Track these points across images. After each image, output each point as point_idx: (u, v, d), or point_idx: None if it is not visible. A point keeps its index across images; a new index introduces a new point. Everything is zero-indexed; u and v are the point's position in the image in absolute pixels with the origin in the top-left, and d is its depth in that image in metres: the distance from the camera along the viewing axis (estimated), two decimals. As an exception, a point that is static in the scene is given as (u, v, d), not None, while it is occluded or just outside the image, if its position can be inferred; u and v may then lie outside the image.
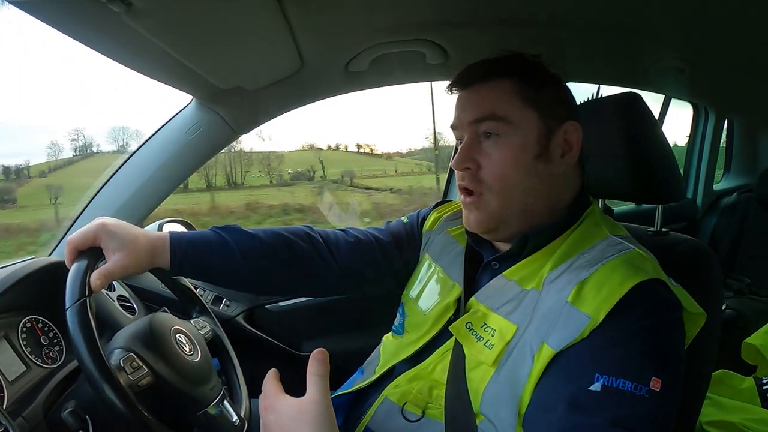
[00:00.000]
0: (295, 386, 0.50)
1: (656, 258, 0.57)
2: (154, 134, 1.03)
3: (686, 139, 1.93)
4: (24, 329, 0.71)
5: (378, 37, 0.94)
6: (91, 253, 0.62)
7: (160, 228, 1.09)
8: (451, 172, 1.56)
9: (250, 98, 1.00)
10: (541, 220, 0.61)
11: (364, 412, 0.66)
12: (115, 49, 0.72)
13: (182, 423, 0.62)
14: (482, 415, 0.54)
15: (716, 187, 1.96)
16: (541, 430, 0.49)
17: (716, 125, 1.83)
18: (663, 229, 0.77)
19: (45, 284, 0.75)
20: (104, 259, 0.63)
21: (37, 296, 0.75)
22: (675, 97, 1.71)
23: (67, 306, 0.55)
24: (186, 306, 0.79)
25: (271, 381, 0.51)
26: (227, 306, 1.17)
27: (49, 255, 0.97)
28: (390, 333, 0.77)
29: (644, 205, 1.66)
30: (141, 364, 0.57)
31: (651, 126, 0.74)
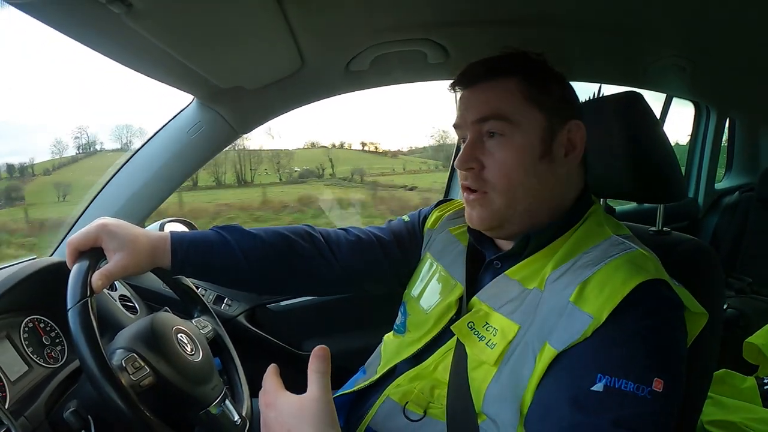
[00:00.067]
0: (296, 386, 0.50)
1: (658, 257, 0.57)
2: (155, 134, 1.03)
3: (688, 138, 1.93)
4: (26, 329, 0.71)
5: (378, 36, 0.93)
6: (92, 253, 0.62)
7: (161, 228, 1.09)
8: (453, 171, 1.56)
9: (251, 98, 1.00)
10: (543, 220, 0.61)
11: (365, 411, 0.66)
12: (116, 49, 0.72)
13: (184, 423, 0.62)
14: (484, 414, 0.54)
15: (718, 186, 1.96)
16: (543, 430, 0.49)
17: (718, 124, 1.82)
18: (665, 229, 0.76)
19: (47, 284, 0.75)
20: (105, 259, 0.64)
21: (39, 296, 0.75)
22: (676, 96, 1.71)
23: (68, 307, 0.55)
24: (187, 306, 0.79)
25: (271, 377, 0.51)
26: (229, 305, 1.17)
27: (51, 255, 0.97)
28: (391, 332, 0.76)
29: (645, 205, 1.67)
30: (143, 364, 0.57)
31: (652, 125, 0.74)
